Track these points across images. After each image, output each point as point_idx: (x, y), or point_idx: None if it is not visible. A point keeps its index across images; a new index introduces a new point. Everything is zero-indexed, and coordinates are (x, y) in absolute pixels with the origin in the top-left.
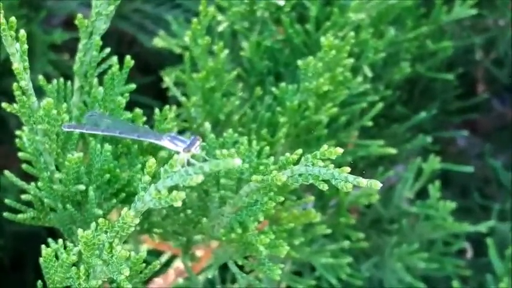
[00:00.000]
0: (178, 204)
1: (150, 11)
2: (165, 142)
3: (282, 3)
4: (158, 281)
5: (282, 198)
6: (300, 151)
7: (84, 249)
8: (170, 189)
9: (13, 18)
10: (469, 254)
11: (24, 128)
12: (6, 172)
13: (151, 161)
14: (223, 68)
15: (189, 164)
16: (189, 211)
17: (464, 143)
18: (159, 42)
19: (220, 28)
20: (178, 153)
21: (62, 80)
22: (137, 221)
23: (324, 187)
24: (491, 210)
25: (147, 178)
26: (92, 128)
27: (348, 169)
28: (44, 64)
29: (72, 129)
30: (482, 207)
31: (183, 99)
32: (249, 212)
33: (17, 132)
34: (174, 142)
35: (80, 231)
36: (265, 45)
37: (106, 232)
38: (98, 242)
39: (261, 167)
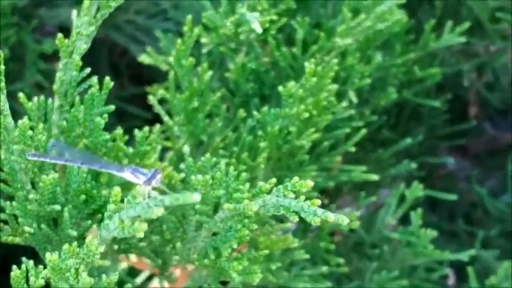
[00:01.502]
0: (141, 235)
1: (142, 23)
2: (126, 174)
3: (259, 30)
4: None
5: (255, 226)
6: (273, 180)
7: (51, 273)
8: (134, 220)
9: None
10: (451, 280)
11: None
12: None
13: (117, 190)
14: (207, 89)
15: (149, 196)
16: (166, 233)
17: (453, 166)
18: (145, 58)
19: (205, 50)
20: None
21: (42, 98)
22: (102, 249)
23: (295, 219)
24: (475, 235)
25: (112, 207)
26: (55, 157)
27: (318, 202)
28: (34, 73)
29: (35, 158)
30: (468, 233)
31: (166, 118)
32: (223, 238)
33: None
34: (135, 174)
35: (47, 255)
36: (250, 67)
37: (73, 258)
38: (66, 267)
39: (235, 195)
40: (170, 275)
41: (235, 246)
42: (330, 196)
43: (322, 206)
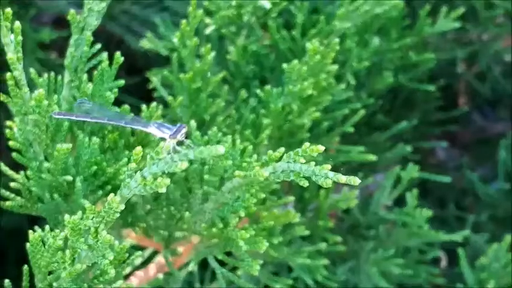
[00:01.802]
0: (163, 190)
1: (138, 13)
2: (151, 129)
3: (267, 5)
4: (139, 273)
5: (263, 195)
6: (282, 149)
7: (70, 234)
8: (155, 177)
9: (9, 10)
10: (443, 263)
11: (15, 118)
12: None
13: (138, 149)
14: (209, 70)
15: (174, 151)
16: (171, 207)
17: (443, 155)
18: (146, 43)
19: (208, 31)
20: (164, 140)
21: (52, 74)
22: (122, 207)
23: (305, 183)
24: (466, 221)
25: (133, 165)
26: (81, 115)
27: (329, 166)
28: (32, 61)
29: (62, 117)
30: (458, 218)
31: (169, 98)
32: (231, 208)
33: (7, 123)
34: (160, 129)
35: (66, 216)
36: (251, 50)
37: (92, 218)
38: (84, 228)
39: (244, 164)
40: (174, 250)
41: (243, 215)
42: None
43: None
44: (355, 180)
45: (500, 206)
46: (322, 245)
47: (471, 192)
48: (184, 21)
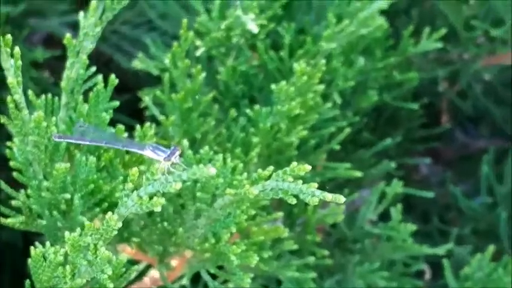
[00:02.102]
0: (158, 209)
1: (127, 33)
2: (147, 152)
3: (255, 30)
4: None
5: (254, 211)
6: (271, 168)
7: (70, 251)
8: (151, 196)
9: (9, 36)
10: (427, 276)
11: (15, 139)
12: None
13: (134, 170)
14: (200, 90)
15: (168, 172)
16: (165, 223)
17: (426, 171)
18: (138, 64)
19: (198, 53)
20: (159, 162)
21: (49, 95)
22: (120, 224)
23: (293, 201)
24: (449, 235)
25: (130, 185)
26: (80, 138)
27: (315, 185)
28: (26, 81)
29: (61, 140)
30: (442, 233)
31: (161, 117)
32: (222, 224)
33: (8, 143)
34: (155, 152)
35: (66, 233)
36: (240, 70)
37: (91, 235)
38: (83, 244)
39: (235, 182)
40: (168, 263)
41: (234, 230)
42: None
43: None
44: (340, 199)
45: (482, 220)
46: (311, 259)
47: (454, 207)
48: (175, 43)
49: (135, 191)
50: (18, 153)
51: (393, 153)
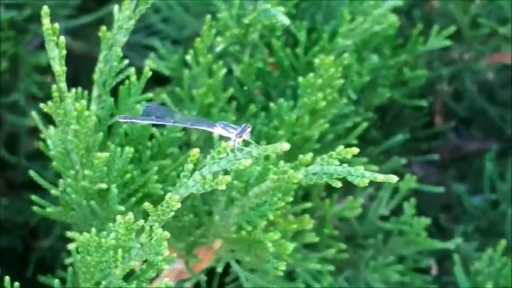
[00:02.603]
0: (223, 187)
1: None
2: (218, 129)
3: (287, 21)
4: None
5: (291, 198)
6: (311, 154)
7: (123, 234)
8: (215, 175)
9: (56, 25)
10: (434, 271)
11: (49, 130)
12: (31, 172)
13: (196, 150)
14: (220, 86)
15: (239, 149)
16: (192, 215)
17: (421, 173)
18: (150, 64)
19: (218, 49)
20: (229, 139)
21: (79, 89)
22: (179, 205)
23: (338, 184)
24: (452, 233)
25: (190, 166)
26: (146, 118)
27: (362, 167)
28: (29, 84)
29: (127, 120)
30: (444, 231)
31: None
32: (258, 212)
33: (42, 135)
34: (226, 129)
35: (118, 217)
36: (256, 67)
37: (148, 215)
38: (136, 227)
39: (275, 169)
40: (196, 255)
41: (271, 218)
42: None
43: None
44: (393, 178)
45: (485, 218)
46: (331, 251)
47: (453, 207)
48: (198, 39)
49: (196, 171)
50: (56, 143)
51: (397, 152)
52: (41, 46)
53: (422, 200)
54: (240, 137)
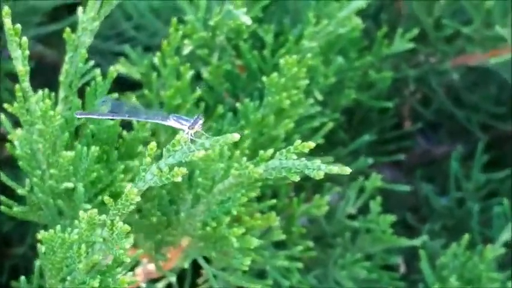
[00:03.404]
0: (179, 179)
1: (97, 46)
2: (171, 122)
3: (248, 22)
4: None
5: (254, 194)
6: (271, 150)
7: (85, 229)
8: (171, 168)
9: (18, 26)
10: (402, 269)
11: (17, 131)
12: (1, 173)
13: (153, 144)
14: (188, 88)
15: (192, 141)
16: (159, 213)
17: (389, 176)
18: (120, 68)
19: (186, 51)
20: (182, 132)
21: (46, 90)
22: (138, 199)
23: (296, 178)
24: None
25: (148, 160)
26: (101, 113)
27: (319, 160)
28: (1, 91)
29: (83, 116)
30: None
31: None
32: (222, 209)
33: (9, 137)
34: (179, 121)
35: (81, 212)
36: (224, 69)
37: (109, 210)
38: (98, 222)
39: (236, 165)
40: (164, 254)
41: (235, 213)
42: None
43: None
44: (346, 170)
45: (451, 216)
46: (298, 248)
47: (419, 208)
48: (165, 41)
49: (153, 164)
50: (22, 144)
51: (365, 154)
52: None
53: (390, 202)
54: (193, 128)
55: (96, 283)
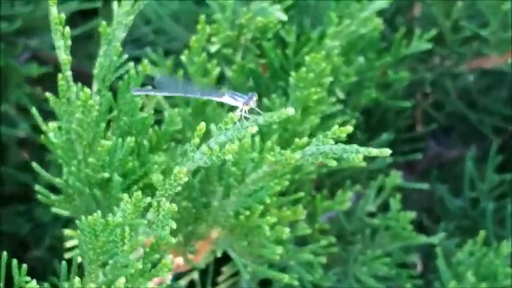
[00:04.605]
0: (230, 157)
1: None
2: (226, 98)
3: (284, 18)
4: None
5: (287, 182)
6: (306, 138)
7: (130, 212)
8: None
9: (62, 15)
10: (419, 267)
11: (50, 123)
12: (34, 164)
13: (202, 124)
14: (215, 85)
15: (245, 117)
16: (189, 204)
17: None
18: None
19: (213, 49)
20: (236, 109)
21: (79, 84)
22: (186, 179)
23: (333, 163)
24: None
25: (197, 140)
26: (157, 90)
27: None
28: (20, 96)
29: (140, 92)
30: (426, 232)
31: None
32: (255, 198)
33: (44, 128)
34: (234, 98)
35: (125, 195)
36: (248, 68)
37: (156, 190)
38: (143, 205)
39: (271, 153)
40: (193, 246)
41: (268, 201)
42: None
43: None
44: (386, 152)
45: (466, 217)
46: (322, 243)
47: (434, 210)
48: (193, 37)
49: (203, 144)
50: (59, 134)
51: None
52: (32, 59)
53: (405, 204)
54: (247, 105)
55: (140, 265)
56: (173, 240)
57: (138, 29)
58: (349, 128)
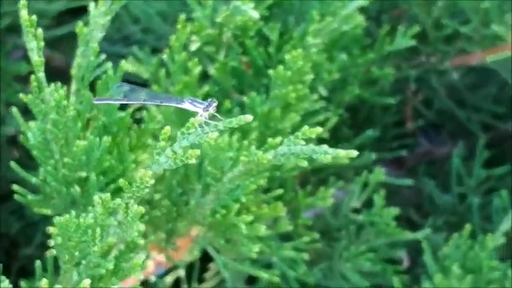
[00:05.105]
0: (193, 161)
1: (106, 49)
2: (186, 105)
3: (256, 16)
4: None
5: (262, 181)
6: (279, 138)
7: (101, 213)
8: (185, 151)
9: (34, 17)
10: (406, 262)
11: (30, 123)
12: (12, 163)
13: (167, 128)
14: (196, 83)
15: (206, 124)
16: (168, 203)
17: (389, 177)
18: (128, 66)
19: (193, 47)
20: (196, 114)
21: (59, 84)
22: (152, 181)
23: (304, 164)
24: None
25: (162, 144)
26: (118, 99)
27: (326, 145)
28: (11, 94)
29: (100, 102)
30: (413, 228)
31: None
32: (231, 197)
33: (22, 129)
34: (193, 104)
35: (96, 197)
36: (231, 66)
37: (124, 192)
38: (113, 206)
39: (245, 153)
40: (174, 243)
41: (244, 200)
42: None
43: None
44: (353, 153)
45: (454, 212)
46: (305, 239)
47: (422, 205)
48: (173, 36)
49: (168, 147)
50: (36, 134)
51: (368, 150)
52: (22, 57)
53: (393, 200)
54: (207, 111)
55: (111, 265)
56: (142, 241)
57: (126, 27)
58: (318, 129)
